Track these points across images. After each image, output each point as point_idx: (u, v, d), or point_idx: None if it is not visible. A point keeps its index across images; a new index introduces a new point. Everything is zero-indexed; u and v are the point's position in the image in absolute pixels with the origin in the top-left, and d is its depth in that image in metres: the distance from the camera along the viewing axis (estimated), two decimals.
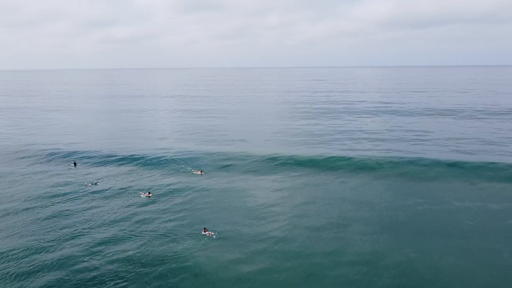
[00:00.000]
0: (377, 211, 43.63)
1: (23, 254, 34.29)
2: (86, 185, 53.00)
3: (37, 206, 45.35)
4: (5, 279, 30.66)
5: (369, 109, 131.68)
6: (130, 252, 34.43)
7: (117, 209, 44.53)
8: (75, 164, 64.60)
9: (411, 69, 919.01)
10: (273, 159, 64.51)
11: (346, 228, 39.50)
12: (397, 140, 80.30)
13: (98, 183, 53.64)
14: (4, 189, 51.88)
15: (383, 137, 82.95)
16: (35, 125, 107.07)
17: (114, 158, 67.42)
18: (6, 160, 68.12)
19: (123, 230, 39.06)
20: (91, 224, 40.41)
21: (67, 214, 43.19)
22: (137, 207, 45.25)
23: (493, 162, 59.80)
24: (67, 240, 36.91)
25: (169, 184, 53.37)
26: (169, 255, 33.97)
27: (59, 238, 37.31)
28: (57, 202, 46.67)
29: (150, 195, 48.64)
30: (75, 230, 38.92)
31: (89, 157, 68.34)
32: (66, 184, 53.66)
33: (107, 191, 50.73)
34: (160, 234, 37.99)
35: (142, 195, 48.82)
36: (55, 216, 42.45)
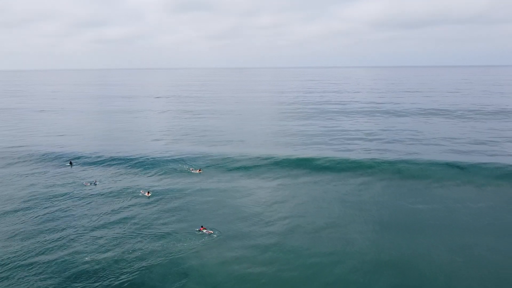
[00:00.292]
0: (375, 210, 44.09)
1: (24, 253, 34.25)
2: (85, 185, 52.93)
3: (36, 207, 45.23)
4: (5, 280, 30.63)
5: (363, 109, 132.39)
6: (130, 252, 34.55)
7: (117, 209, 44.60)
8: (71, 163, 64.25)
9: (404, 69, 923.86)
10: (270, 159, 64.77)
11: (345, 227, 39.86)
12: (392, 140, 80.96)
13: (97, 183, 53.58)
14: (0, 192, 51.53)
15: (378, 137, 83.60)
16: (27, 126, 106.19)
17: (110, 158, 67.24)
18: (0, 161, 67.57)
19: (124, 229, 39.17)
20: (91, 224, 40.45)
21: (66, 214, 43.15)
22: (137, 206, 45.34)
23: (488, 162, 60.59)
24: (67, 240, 36.93)
25: (168, 184, 53.56)
26: (169, 254, 34.12)
27: (59, 238, 37.32)
28: (56, 202, 46.57)
29: (150, 194, 48.75)
30: (75, 230, 38.95)
31: (85, 157, 68.06)
32: (64, 184, 53.52)
33: (107, 191, 50.73)
34: (160, 233, 38.15)
35: (142, 193, 48.99)
36: (55, 217, 42.40)
